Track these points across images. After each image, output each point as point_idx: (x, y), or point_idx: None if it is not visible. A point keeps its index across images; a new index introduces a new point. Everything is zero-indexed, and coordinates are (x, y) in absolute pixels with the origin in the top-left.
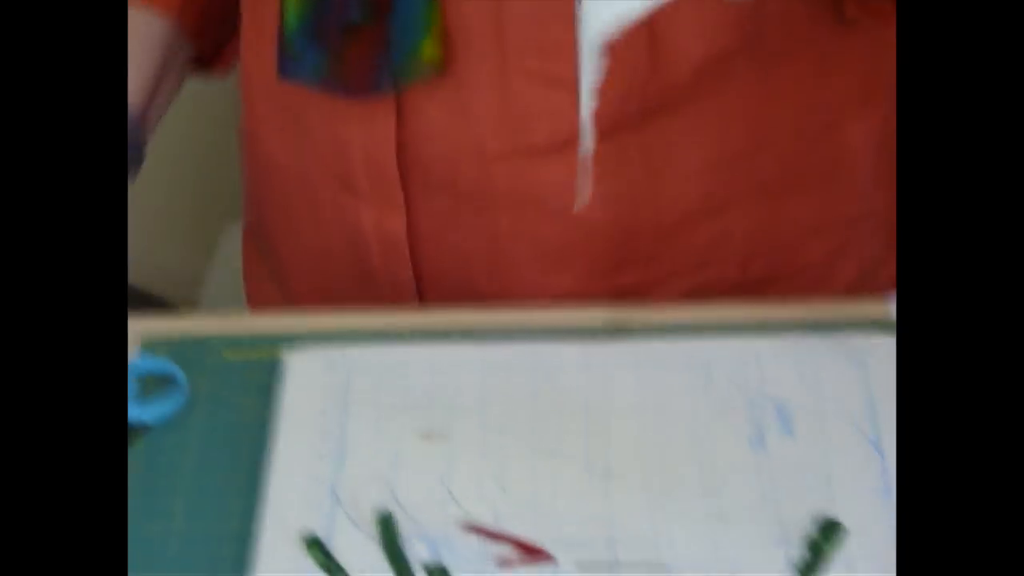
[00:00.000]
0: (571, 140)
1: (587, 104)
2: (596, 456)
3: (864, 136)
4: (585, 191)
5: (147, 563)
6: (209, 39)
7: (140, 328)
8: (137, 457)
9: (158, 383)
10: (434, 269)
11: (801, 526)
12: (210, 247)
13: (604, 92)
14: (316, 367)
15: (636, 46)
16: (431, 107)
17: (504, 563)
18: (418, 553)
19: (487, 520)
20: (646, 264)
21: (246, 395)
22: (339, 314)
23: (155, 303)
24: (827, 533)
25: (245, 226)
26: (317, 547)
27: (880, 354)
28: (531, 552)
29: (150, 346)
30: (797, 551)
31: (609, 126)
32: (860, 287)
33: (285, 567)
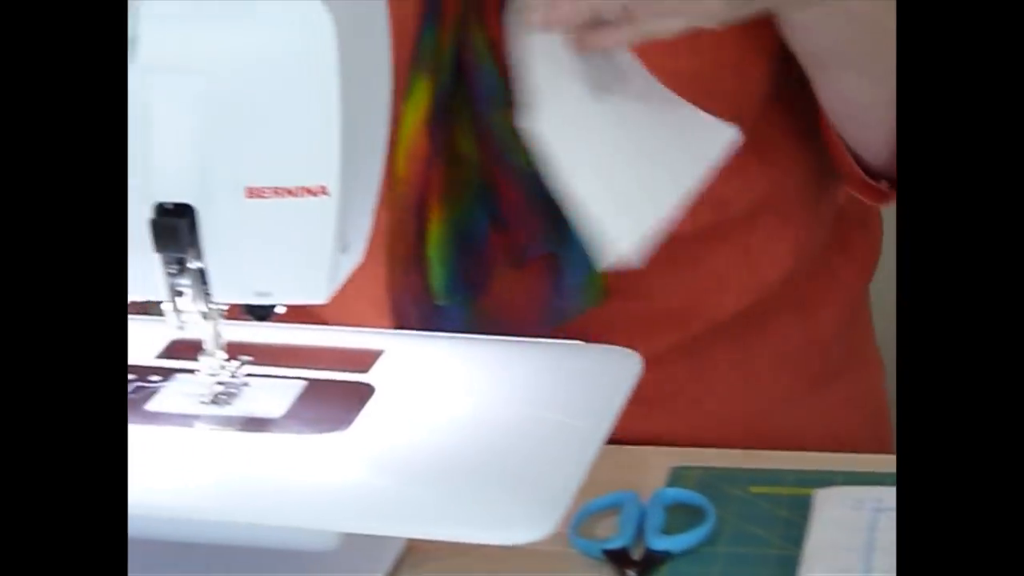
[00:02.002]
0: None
1: None
2: None
3: None
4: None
5: None
6: None
7: (669, 459)
8: None
9: (685, 513)
10: None
11: None
12: None
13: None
14: (843, 505)
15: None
16: None
17: None
18: None
19: None
20: None
21: (771, 530)
22: (867, 455)
23: None
24: None
25: None
26: None
27: None
28: None
29: (679, 477)
30: None
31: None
32: None
33: None
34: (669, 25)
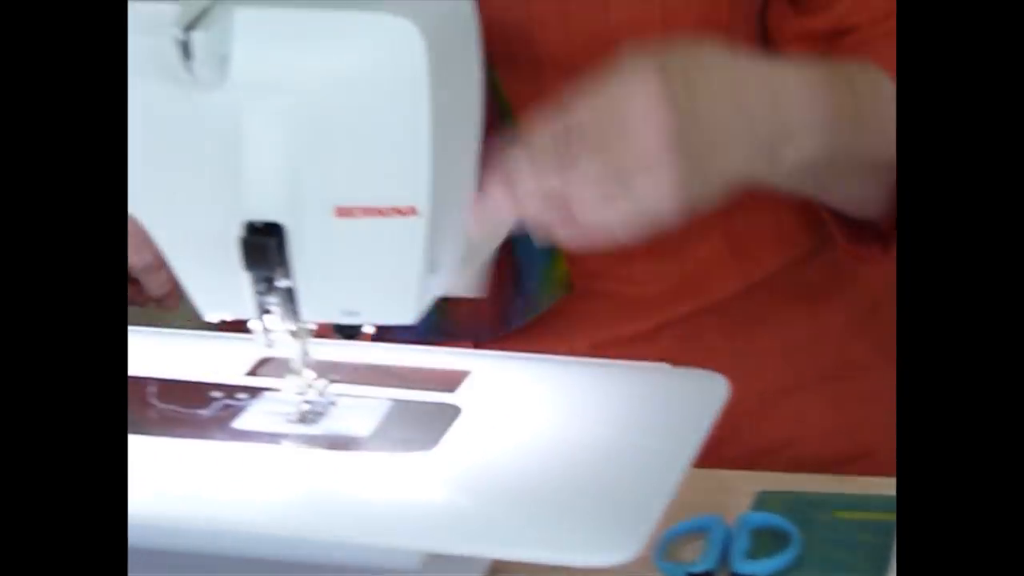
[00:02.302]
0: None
1: None
2: None
3: None
4: None
5: None
6: None
7: (755, 483)
8: None
9: (770, 537)
10: None
11: None
12: None
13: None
14: None
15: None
16: None
17: None
18: None
19: None
20: None
21: (857, 555)
22: None
23: None
24: None
25: None
26: None
27: None
28: None
29: (764, 501)
30: None
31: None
32: None
33: None
34: (609, 218)
